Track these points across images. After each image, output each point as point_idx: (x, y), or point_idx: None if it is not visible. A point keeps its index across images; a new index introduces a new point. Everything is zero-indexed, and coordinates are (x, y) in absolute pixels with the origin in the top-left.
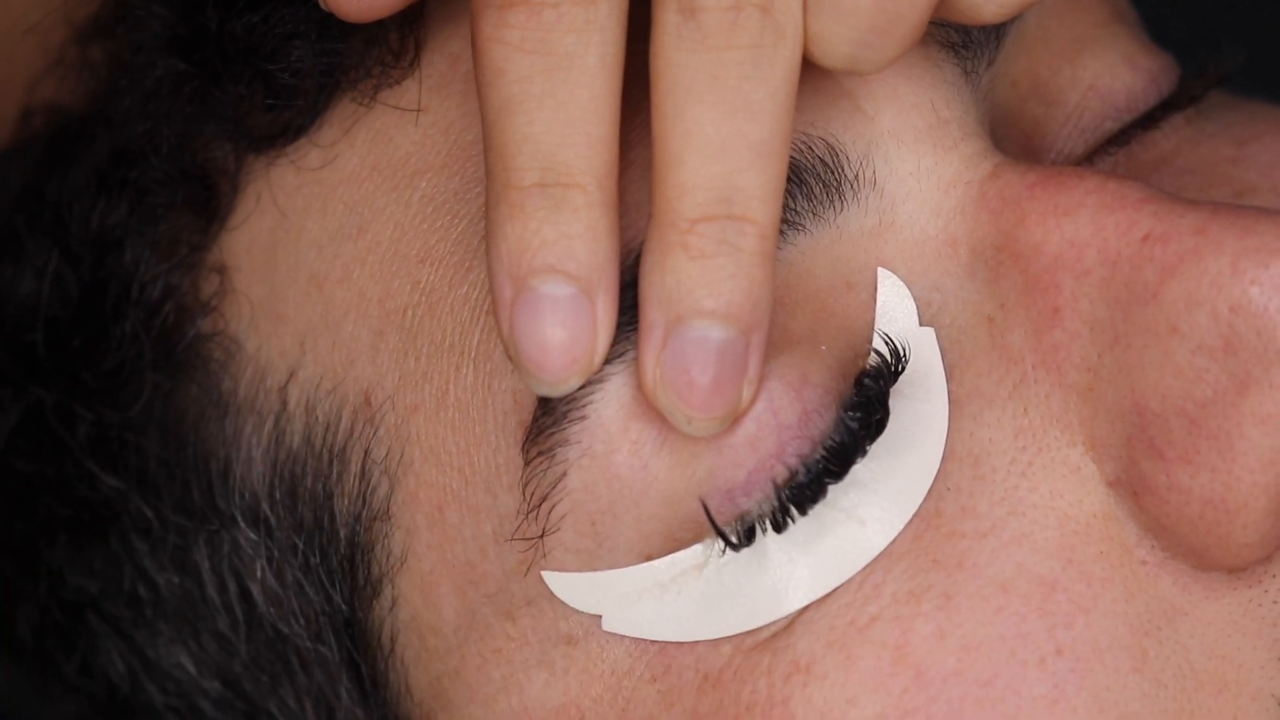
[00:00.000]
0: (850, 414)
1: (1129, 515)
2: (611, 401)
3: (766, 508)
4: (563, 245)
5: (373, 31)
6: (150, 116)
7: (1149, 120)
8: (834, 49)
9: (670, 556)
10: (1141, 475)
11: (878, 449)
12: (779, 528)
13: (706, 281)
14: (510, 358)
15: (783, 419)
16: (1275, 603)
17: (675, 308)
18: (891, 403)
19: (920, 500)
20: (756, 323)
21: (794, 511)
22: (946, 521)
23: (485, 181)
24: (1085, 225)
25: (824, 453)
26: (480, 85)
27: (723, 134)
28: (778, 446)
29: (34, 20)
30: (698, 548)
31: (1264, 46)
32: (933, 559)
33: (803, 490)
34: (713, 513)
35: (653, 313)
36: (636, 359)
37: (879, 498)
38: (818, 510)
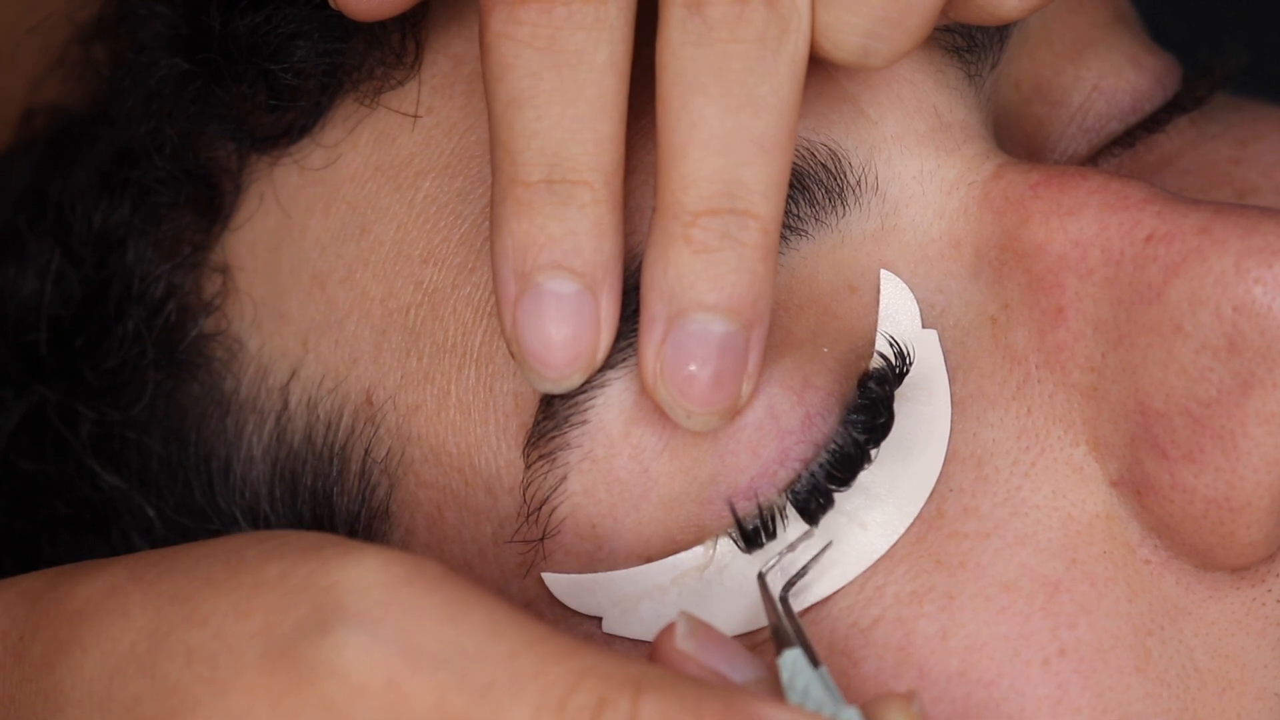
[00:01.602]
0: (854, 416)
1: (1132, 515)
2: (613, 406)
3: (771, 512)
4: (568, 242)
5: (375, 32)
6: (153, 116)
7: (1154, 122)
8: (844, 40)
9: (671, 558)
10: (1145, 474)
11: (881, 453)
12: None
13: (708, 275)
14: (512, 354)
15: (784, 424)
16: (1279, 602)
17: (677, 301)
18: (895, 406)
19: (922, 503)
20: (758, 317)
21: (801, 520)
22: (949, 522)
23: (491, 177)
24: (1089, 225)
25: (828, 456)
26: (488, 80)
27: (727, 128)
28: (780, 451)
29: (36, 20)
30: (698, 550)
31: (1264, 47)
32: (935, 560)
33: (812, 499)
34: (713, 517)
35: (654, 305)
36: (637, 352)
37: (881, 501)
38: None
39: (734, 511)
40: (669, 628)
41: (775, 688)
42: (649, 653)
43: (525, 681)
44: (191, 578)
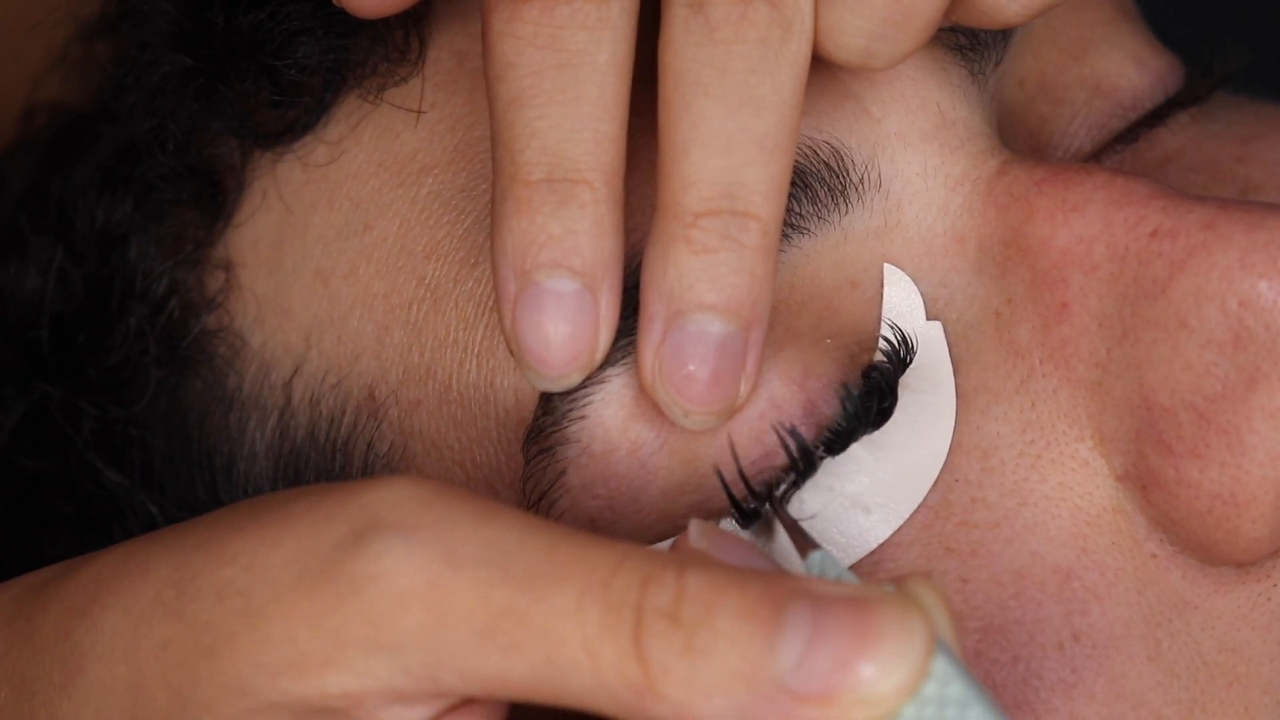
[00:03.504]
0: (857, 395)
1: (1138, 510)
2: (612, 402)
3: (769, 489)
4: (568, 241)
5: (378, 29)
6: (156, 113)
7: (1155, 117)
8: (847, 41)
9: (673, 539)
10: (1150, 470)
11: (885, 438)
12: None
13: (708, 276)
14: (512, 352)
15: (786, 411)
16: None
17: (676, 301)
18: (899, 394)
19: (926, 490)
20: (756, 318)
21: (790, 488)
22: (957, 512)
23: (492, 175)
24: (1093, 221)
25: (829, 434)
26: (490, 79)
27: (728, 128)
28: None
29: (38, 17)
30: None
31: (1266, 47)
32: (946, 547)
33: (809, 475)
34: (717, 503)
35: (654, 305)
36: (636, 351)
37: (885, 486)
38: (823, 495)
39: (721, 477)
40: (682, 535)
41: None
42: None
43: (567, 568)
44: (214, 528)
